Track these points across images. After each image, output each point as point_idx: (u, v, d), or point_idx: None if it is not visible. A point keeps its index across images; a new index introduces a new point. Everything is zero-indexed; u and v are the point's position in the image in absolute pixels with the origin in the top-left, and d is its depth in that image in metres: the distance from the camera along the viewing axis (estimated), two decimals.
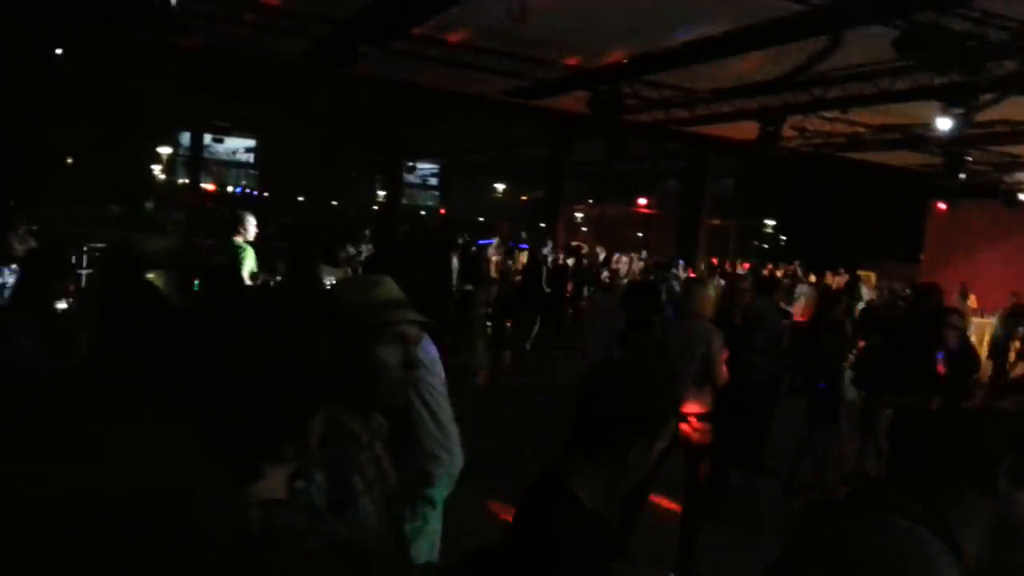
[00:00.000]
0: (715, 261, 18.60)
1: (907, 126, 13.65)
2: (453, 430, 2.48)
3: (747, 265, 17.24)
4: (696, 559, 4.83)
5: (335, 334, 1.55)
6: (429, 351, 2.50)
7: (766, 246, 27.08)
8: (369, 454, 1.68)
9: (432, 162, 26.06)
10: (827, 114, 13.12)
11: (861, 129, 14.56)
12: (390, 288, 1.80)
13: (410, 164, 24.60)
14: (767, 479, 6.74)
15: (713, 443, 4.95)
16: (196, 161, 17.23)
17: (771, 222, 25.07)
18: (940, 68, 9.20)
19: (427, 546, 2.47)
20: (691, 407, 4.81)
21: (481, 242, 16.97)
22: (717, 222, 24.92)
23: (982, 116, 10.73)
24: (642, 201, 24.23)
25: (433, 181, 26.25)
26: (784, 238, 24.86)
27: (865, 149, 16.23)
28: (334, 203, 28.55)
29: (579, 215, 30.42)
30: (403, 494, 2.32)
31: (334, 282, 6.03)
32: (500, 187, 27.24)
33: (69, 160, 14.57)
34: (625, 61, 11.41)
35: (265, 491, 1.15)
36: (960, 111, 10.00)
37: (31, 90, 9.58)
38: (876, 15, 7.99)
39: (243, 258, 7.97)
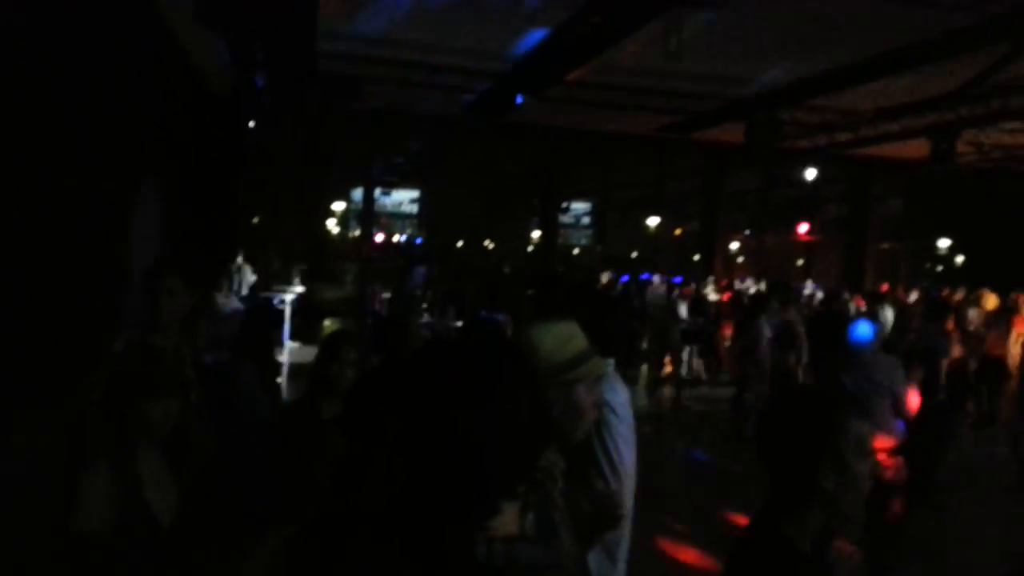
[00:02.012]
0: (886, 287, 17.66)
1: None
2: (624, 472, 2.49)
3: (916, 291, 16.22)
4: None
5: (542, 378, 1.72)
6: (619, 393, 2.56)
7: (941, 268, 25.38)
8: (560, 489, 1.73)
9: (586, 201, 26.40)
10: (1007, 126, 12.32)
11: None
12: (581, 337, 1.90)
13: (564, 205, 25.05)
14: (936, 514, 6.38)
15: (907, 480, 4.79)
16: (368, 214, 18.40)
17: (946, 242, 23.52)
18: None
19: None
20: (883, 442, 4.68)
21: (643, 277, 16.98)
22: (886, 246, 23.65)
23: None
24: (803, 228, 23.40)
25: (586, 220, 26.56)
26: (962, 259, 23.24)
27: None
28: (489, 245, 29.47)
29: (735, 246, 29.73)
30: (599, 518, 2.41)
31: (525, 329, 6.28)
32: (653, 222, 27.15)
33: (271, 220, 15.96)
34: (782, 88, 11.23)
35: (502, 526, 1.19)
36: None
37: (235, 158, 10.65)
38: None
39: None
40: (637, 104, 12.40)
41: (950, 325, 8.46)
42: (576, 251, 28.74)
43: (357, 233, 20.28)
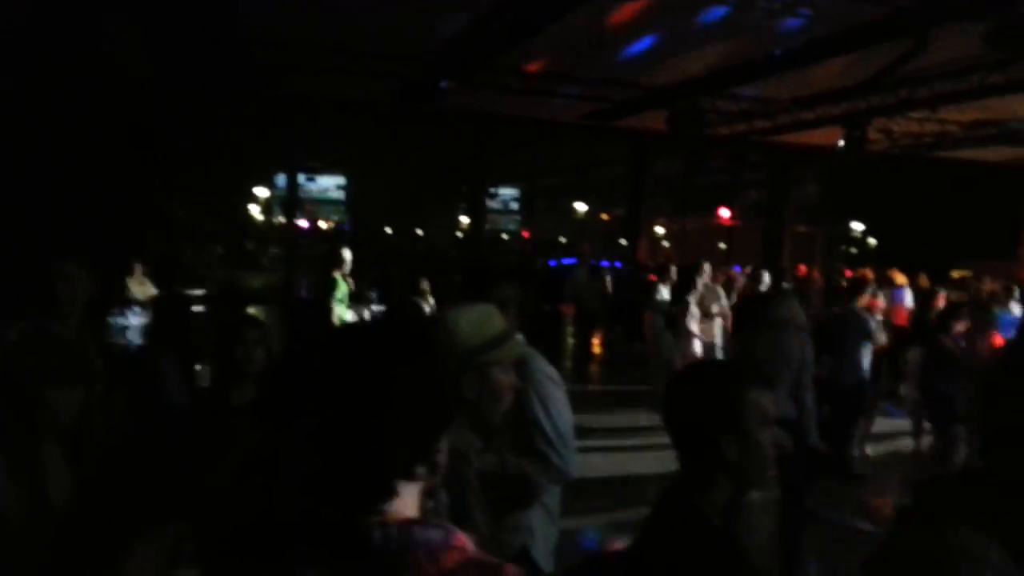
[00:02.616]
0: (803, 269, 18.28)
1: (1000, 121, 13.26)
2: (570, 438, 2.61)
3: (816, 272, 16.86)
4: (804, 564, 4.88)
5: (452, 365, 1.73)
6: (548, 365, 2.71)
7: (855, 250, 26.42)
8: (475, 471, 1.79)
9: (513, 186, 26.52)
10: (914, 115, 12.86)
11: (952, 127, 14.18)
12: (498, 320, 1.93)
13: (492, 190, 25.11)
14: (853, 485, 6.72)
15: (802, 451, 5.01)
16: (292, 200, 18.08)
17: (859, 226, 24.47)
18: None
19: (543, 552, 2.59)
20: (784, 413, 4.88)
21: (565, 262, 17.21)
22: (802, 229, 24.47)
23: None
24: (724, 213, 24.01)
25: (515, 205, 26.68)
26: (873, 241, 24.24)
27: (956, 147, 15.77)
28: (419, 232, 29.31)
29: (660, 230, 30.31)
30: (515, 497, 2.50)
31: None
32: (581, 207, 27.45)
33: (177, 206, 15.58)
34: (703, 77, 11.47)
35: (400, 509, 1.18)
36: None
37: (142, 142, 10.31)
38: (965, 11, 7.87)
39: (339, 291, 8.39)
40: (563, 91, 12.50)
41: (866, 301, 8.84)
42: (505, 236, 28.88)
43: (282, 220, 19.94)
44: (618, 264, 15.73)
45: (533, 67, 11.48)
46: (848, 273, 15.85)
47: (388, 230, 29.36)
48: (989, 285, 13.06)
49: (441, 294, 7.95)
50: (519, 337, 2.72)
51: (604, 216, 29.46)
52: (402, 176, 24.50)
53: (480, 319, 1.89)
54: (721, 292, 10.42)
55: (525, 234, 26.98)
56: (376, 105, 13.91)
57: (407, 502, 1.19)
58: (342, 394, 1.14)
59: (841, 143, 13.09)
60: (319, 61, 10.89)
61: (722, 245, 27.86)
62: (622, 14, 8.75)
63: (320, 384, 1.17)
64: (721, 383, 1.65)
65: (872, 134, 13.47)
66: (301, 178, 18.15)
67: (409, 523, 1.16)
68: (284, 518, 1.14)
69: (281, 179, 19.56)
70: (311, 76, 11.49)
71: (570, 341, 14.36)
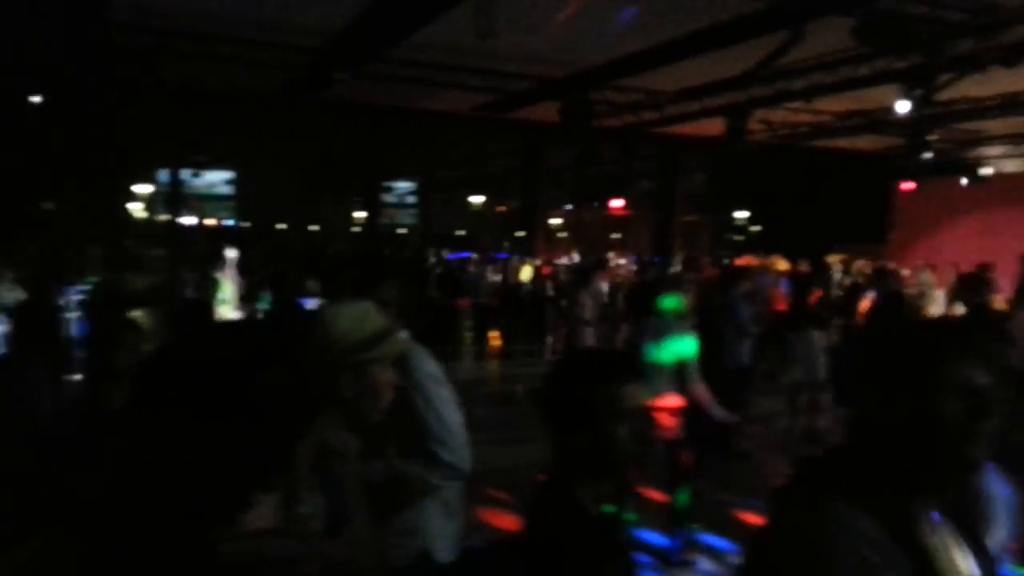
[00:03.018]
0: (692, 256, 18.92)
1: (871, 111, 14.05)
2: (460, 432, 2.62)
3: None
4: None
5: (329, 363, 1.68)
6: (431, 362, 2.72)
7: (741, 238, 27.47)
8: (358, 471, 1.79)
9: (409, 180, 26.27)
10: (792, 105, 13.48)
11: (826, 117, 14.94)
12: (377, 317, 1.91)
13: (387, 184, 24.80)
14: (741, 461, 7.05)
15: (689, 435, 5.23)
16: (176, 196, 17.32)
17: (744, 214, 25.46)
18: (899, 52, 9.58)
19: (445, 550, 2.59)
20: (667, 401, 5.07)
21: (461, 255, 17.23)
22: (691, 218, 25.29)
23: (943, 95, 11.13)
24: (617, 203, 24.53)
25: (411, 199, 26.42)
26: (757, 229, 25.25)
27: (831, 137, 16.63)
28: (313, 228, 28.68)
29: (556, 221, 30.71)
30: (409, 495, 2.51)
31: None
32: (478, 200, 27.50)
33: (49, 204, 14.70)
34: (592, 69, 11.69)
35: (256, 521, 1.14)
36: (921, 92, 10.38)
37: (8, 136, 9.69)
38: (834, 5, 8.30)
39: (222, 291, 8.14)
40: (456, 83, 12.49)
41: (746, 288, 9.23)
42: (403, 231, 28.60)
43: (166, 217, 19.13)
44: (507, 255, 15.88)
45: (426, 58, 11.41)
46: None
47: (283, 226, 28.63)
48: (860, 266, 13.87)
49: (333, 292, 7.81)
50: (402, 335, 2.71)
51: (501, 208, 29.62)
52: (295, 171, 23.91)
53: (358, 316, 1.86)
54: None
55: (420, 228, 26.83)
56: (264, 96, 13.53)
57: (262, 513, 1.15)
58: (189, 403, 1.10)
59: (724, 133, 13.60)
60: (202, 49, 10.50)
61: (617, 235, 28.52)
62: (514, 5, 8.81)
63: (170, 392, 1.13)
64: (576, 376, 1.65)
65: (753, 125, 14.05)
66: (186, 173, 17.40)
67: (264, 534, 1.13)
68: (134, 529, 1.07)
69: (164, 174, 18.75)
70: (196, 66, 11.07)
71: (467, 335, 14.40)
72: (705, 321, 6.55)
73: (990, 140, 17.69)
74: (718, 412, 5.36)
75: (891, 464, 1.28)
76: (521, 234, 21.98)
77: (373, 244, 17.79)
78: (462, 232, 30.11)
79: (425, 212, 26.60)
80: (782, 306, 11.63)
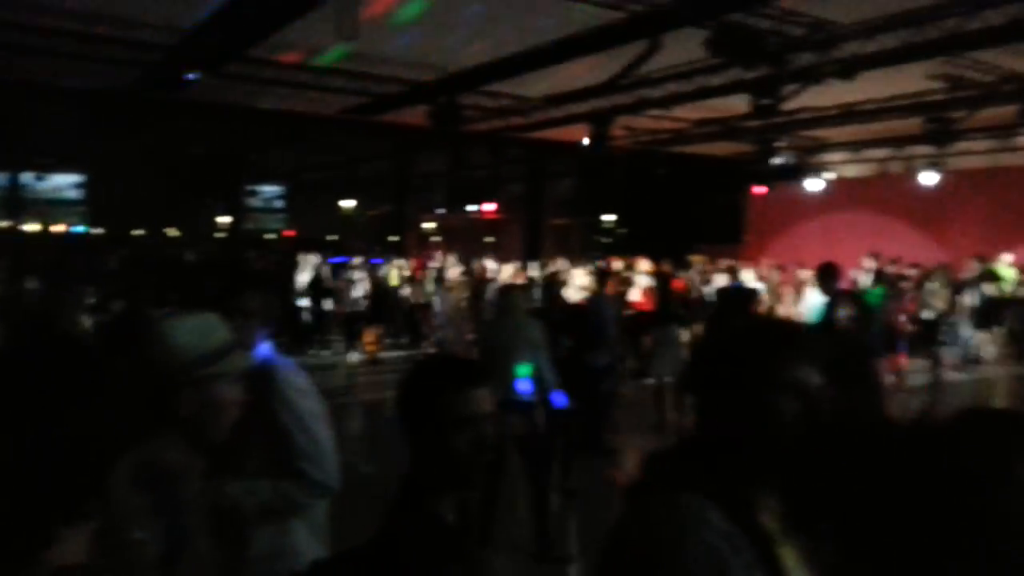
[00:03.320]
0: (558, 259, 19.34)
1: (724, 119, 14.81)
2: (328, 450, 2.54)
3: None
4: (551, 540, 5.22)
5: (167, 379, 1.60)
6: (299, 376, 2.63)
7: (609, 240, 28.29)
8: (201, 491, 1.73)
9: (276, 184, 25.50)
10: (652, 113, 14.03)
11: (684, 125, 15.63)
12: (221, 330, 1.82)
13: (251, 188, 23.98)
14: (608, 459, 7.29)
15: (543, 430, 5.38)
16: (17, 201, 16.10)
17: (611, 217, 26.25)
18: (748, 64, 10.15)
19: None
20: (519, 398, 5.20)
21: (332, 260, 16.89)
22: (560, 222, 25.84)
23: (788, 105, 11.86)
24: (488, 207, 24.76)
25: (278, 203, 25.65)
26: (624, 232, 26.10)
27: (689, 143, 17.41)
28: (172, 234, 27.35)
29: (429, 225, 30.65)
30: (275, 512, 2.44)
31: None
32: (348, 204, 27.05)
33: None
34: (461, 74, 11.76)
35: (63, 556, 1.05)
36: (768, 102, 11.04)
37: None
38: (687, 18, 8.71)
39: (73, 302, 7.65)
40: (322, 85, 12.26)
41: (611, 288, 9.56)
42: (271, 236, 27.74)
43: (5, 224, 17.71)
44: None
45: (290, 59, 11.14)
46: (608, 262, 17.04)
47: (139, 232, 27.16)
48: (715, 266, 14.60)
49: (191, 301, 7.48)
50: (264, 347, 2.63)
51: (372, 212, 29.27)
52: (152, 173, 22.73)
53: (200, 329, 1.76)
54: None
55: (289, 233, 26.07)
56: (117, 95, 12.80)
57: (71, 547, 1.05)
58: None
59: (587, 140, 14.00)
60: (46, 45, 9.84)
61: (490, 239, 28.74)
62: (378, 7, 8.76)
63: None
64: (419, 383, 1.65)
65: (616, 131, 14.54)
66: (28, 176, 16.20)
67: (75, 570, 1.04)
68: None
69: (2, 178, 17.35)
70: (38, 61, 10.36)
71: (340, 342, 14.16)
72: (571, 321, 6.73)
73: (832, 147, 19.04)
74: (559, 399, 5.52)
75: (735, 457, 1.35)
76: (394, 238, 21.81)
77: (238, 250, 17.11)
78: (333, 237, 29.53)
79: (293, 217, 25.92)
80: (646, 305, 12.07)
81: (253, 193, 24.20)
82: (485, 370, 1.68)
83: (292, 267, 14.46)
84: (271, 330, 2.75)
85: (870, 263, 13.09)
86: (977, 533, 0.82)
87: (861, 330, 5.58)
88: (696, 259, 17.88)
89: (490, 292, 13.22)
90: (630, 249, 20.55)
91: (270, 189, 24.98)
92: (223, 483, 2.27)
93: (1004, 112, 12.88)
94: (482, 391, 1.62)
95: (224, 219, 25.47)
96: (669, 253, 18.21)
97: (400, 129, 16.21)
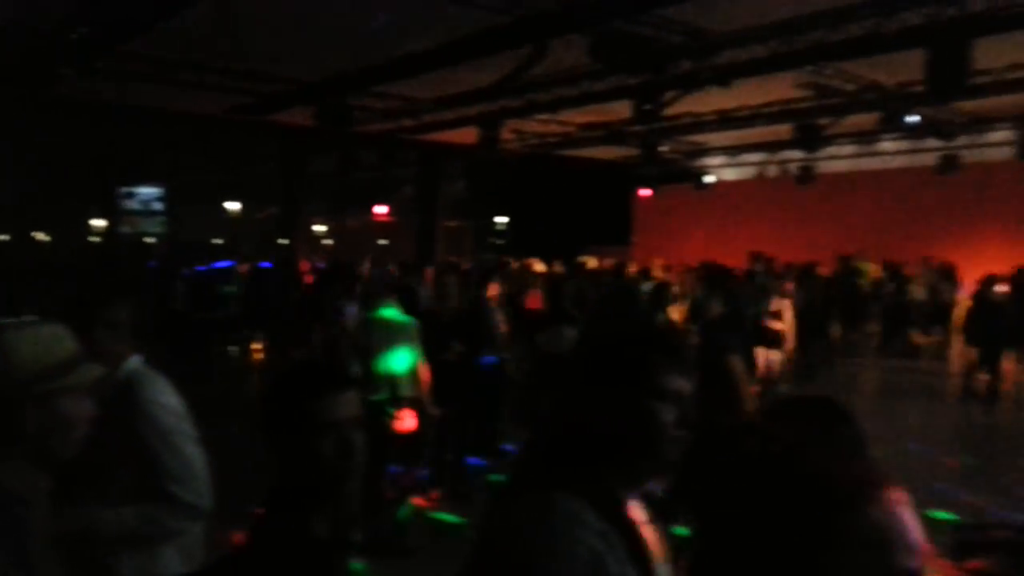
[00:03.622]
0: (454, 260, 19.37)
1: (609, 123, 15.22)
2: (199, 470, 2.43)
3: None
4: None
5: (7, 394, 1.52)
6: (167, 393, 2.49)
7: (501, 242, 28.50)
8: (49, 516, 1.62)
9: (155, 186, 24.39)
10: (541, 117, 14.26)
11: (571, 128, 15.96)
12: (69, 342, 1.73)
13: (128, 190, 22.85)
14: (497, 460, 7.37)
15: (426, 430, 5.42)
16: None
17: (503, 219, 26.46)
18: (630, 70, 10.46)
19: None
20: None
21: (217, 265, 16.33)
22: (453, 223, 25.88)
23: (669, 110, 12.30)
24: (380, 209, 24.52)
25: (158, 206, 24.52)
26: (515, 233, 26.36)
27: (577, 146, 17.78)
28: (41, 238, 25.80)
29: (321, 228, 30.09)
30: (141, 538, 2.34)
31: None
32: (234, 207, 26.23)
33: None
34: (348, 74, 11.62)
35: None
36: (650, 107, 11.42)
37: None
38: (572, 24, 8.91)
39: None
40: (203, 83, 11.86)
41: (495, 290, 9.63)
42: (152, 240, 26.55)
43: None
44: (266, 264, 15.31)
45: (169, 55, 10.73)
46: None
47: (3, 237, 25.46)
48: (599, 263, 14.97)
49: (51, 310, 7.05)
50: (132, 360, 2.50)
51: (260, 215, 28.49)
52: (17, 174, 21.36)
53: (43, 341, 1.65)
54: None
55: (168, 237, 24.97)
56: None
57: None
58: None
59: (481, 142, 14.09)
60: None
61: (383, 241, 28.48)
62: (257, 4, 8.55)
63: None
64: (280, 390, 1.61)
65: (506, 134, 14.69)
66: None
67: None
68: None
69: None
70: None
71: (229, 349, 13.68)
72: (459, 323, 6.76)
73: (712, 151, 19.86)
74: (432, 409, 5.56)
75: (608, 457, 1.40)
76: (284, 242, 21.27)
77: (112, 254, 16.29)
78: (219, 240, 28.54)
79: (173, 220, 24.86)
80: (536, 305, 12.22)
81: (130, 195, 23.06)
82: (351, 374, 1.67)
83: (173, 272, 13.87)
84: (145, 341, 2.62)
85: (754, 263, 13.71)
86: (791, 513, 0.90)
87: (733, 327, 5.84)
88: (587, 260, 18.27)
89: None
90: (522, 250, 20.82)
91: (149, 191, 23.87)
92: (79, 508, 2.14)
93: (866, 119, 13.77)
94: (347, 395, 1.59)
95: (99, 222, 24.23)
96: (560, 254, 18.57)
97: (287, 129, 15.87)
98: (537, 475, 1.41)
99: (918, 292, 13.53)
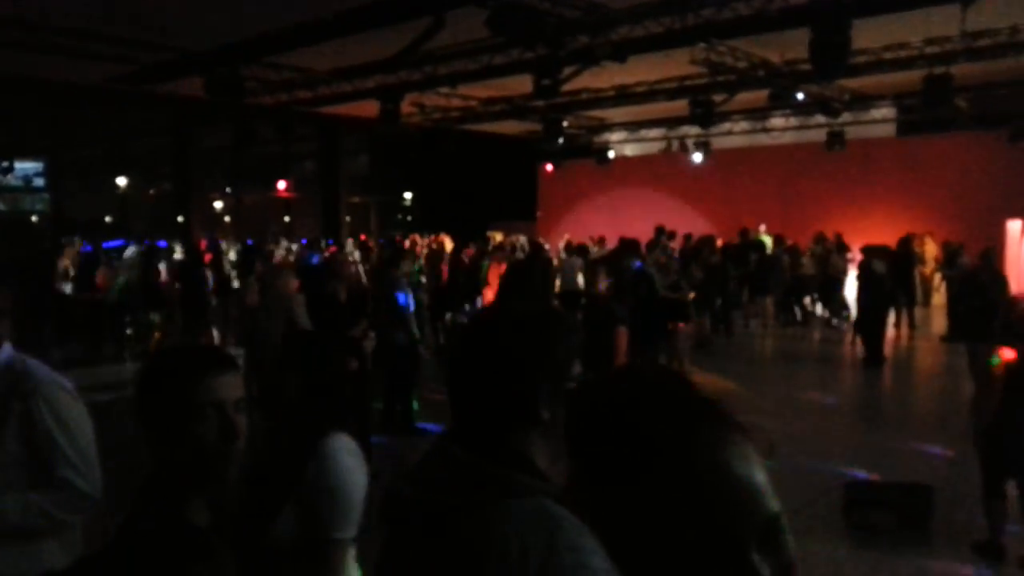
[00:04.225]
0: (363, 237, 19.11)
1: (511, 98, 15.21)
2: (93, 456, 2.34)
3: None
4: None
5: None
6: (62, 380, 2.38)
7: (409, 218, 28.30)
8: None
9: (35, 160, 22.98)
10: (442, 90, 14.12)
11: (473, 103, 15.88)
12: None
13: (5, 164, 21.45)
14: (415, 437, 7.37)
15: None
16: None
17: (409, 195, 26.25)
18: (528, 43, 10.46)
19: None
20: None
21: (107, 244, 15.62)
22: (357, 199, 25.47)
23: (569, 86, 12.37)
24: (281, 185, 23.89)
25: (39, 182, 23.12)
26: (421, 210, 26.22)
27: (479, 121, 17.72)
28: None
29: (219, 205, 29.11)
30: (26, 529, 2.23)
31: None
32: (122, 182, 25.05)
33: None
34: (238, 43, 11.21)
35: None
36: (549, 82, 11.45)
37: None
38: None
39: None
40: (84, 51, 11.20)
41: (406, 268, 9.56)
42: (34, 218, 25.09)
43: None
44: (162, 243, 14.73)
45: (44, 20, 10.08)
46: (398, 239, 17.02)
47: None
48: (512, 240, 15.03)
49: None
50: (6, 348, 2.38)
51: (152, 191, 27.35)
52: None
53: None
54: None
55: (50, 215, 23.63)
56: None
57: None
58: None
59: (381, 115, 13.85)
60: None
61: (285, 218, 27.78)
62: None
63: None
64: (156, 374, 1.55)
65: (407, 107, 14.49)
66: None
67: None
68: None
69: None
70: None
71: (127, 333, 13.07)
72: (365, 301, 6.68)
73: (612, 127, 20.15)
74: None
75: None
76: (180, 219, 20.48)
77: None
78: (109, 218, 27.30)
79: (57, 196, 23.56)
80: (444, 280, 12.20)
81: (7, 170, 21.68)
82: (231, 357, 1.62)
83: (55, 253, 13.17)
84: (27, 327, 2.48)
85: (656, 236, 13.91)
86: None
87: (621, 300, 5.95)
88: (495, 235, 18.34)
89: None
90: (429, 226, 20.73)
91: (28, 165, 22.48)
92: None
93: (757, 96, 14.22)
94: (229, 377, 1.54)
95: None
96: (467, 230, 18.57)
97: (178, 101, 15.22)
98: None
99: (809, 266, 14.10)
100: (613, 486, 0.91)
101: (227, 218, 30.72)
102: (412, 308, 7.64)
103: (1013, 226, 16.15)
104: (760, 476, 0.93)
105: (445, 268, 12.55)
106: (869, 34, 10.17)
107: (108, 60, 11.75)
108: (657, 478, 0.87)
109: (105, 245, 15.57)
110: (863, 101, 15.96)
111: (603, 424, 0.95)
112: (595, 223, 19.62)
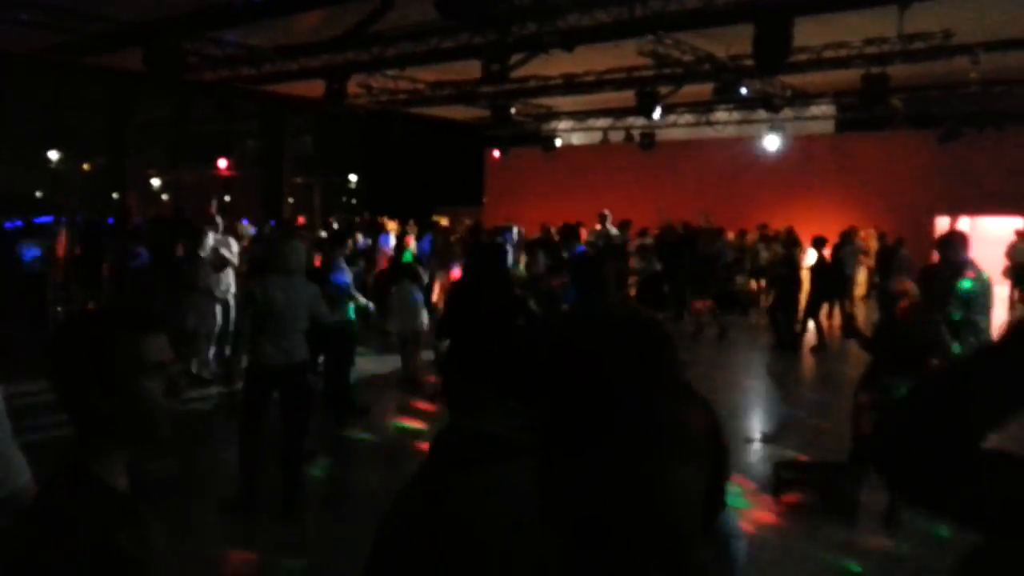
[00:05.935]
0: (302, 219, 18.83)
1: (459, 83, 15.13)
2: (9, 449, 2.24)
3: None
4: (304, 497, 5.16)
5: None
6: None
7: (354, 201, 27.99)
8: None
9: None
10: (390, 73, 13.97)
11: (421, 86, 15.75)
12: None
13: None
14: (359, 416, 7.36)
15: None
16: None
17: (354, 177, 25.95)
18: (476, 28, 10.42)
19: None
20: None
21: (37, 220, 15.11)
22: (300, 180, 25.08)
23: (518, 73, 12.37)
24: (221, 164, 23.37)
25: None
26: (366, 192, 25.96)
27: (427, 105, 17.58)
28: None
29: (157, 182, 28.35)
30: None
31: None
32: (54, 156, 24.20)
33: None
34: (179, 16, 10.91)
35: None
36: (497, 67, 11.43)
37: None
38: None
39: None
40: (16, 18, 10.77)
41: (348, 249, 9.51)
42: None
43: None
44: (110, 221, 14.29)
45: None
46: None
47: None
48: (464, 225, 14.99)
49: None
50: None
51: (86, 166, 26.48)
52: None
53: None
54: (232, 242, 9.96)
55: None
56: None
57: None
58: None
59: (327, 95, 13.63)
60: None
61: (226, 198, 27.18)
62: None
63: None
64: (86, 331, 1.51)
65: (353, 89, 14.29)
66: None
67: None
68: None
69: None
70: None
71: (58, 309, 12.66)
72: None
73: (560, 115, 20.22)
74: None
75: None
76: (115, 195, 19.87)
77: None
78: (39, 193, 26.34)
79: None
80: (386, 263, 12.15)
81: None
82: (159, 317, 1.59)
83: None
84: None
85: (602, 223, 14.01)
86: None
87: (558, 281, 6.03)
88: (441, 219, 18.26)
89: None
90: (374, 209, 20.53)
91: None
92: None
93: (702, 90, 14.43)
94: (157, 338, 1.52)
95: None
96: (412, 213, 18.44)
97: (115, 74, 14.75)
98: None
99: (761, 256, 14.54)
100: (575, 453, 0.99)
101: (164, 196, 29.97)
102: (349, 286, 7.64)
103: (942, 223, 16.77)
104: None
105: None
106: (810, 32, 10.41)
107: (43, 29, 11.32)
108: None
109: (35, 220, 15.06)
110: (804, 98, 16.34)
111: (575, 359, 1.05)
112: (540, 210, 19.70)
